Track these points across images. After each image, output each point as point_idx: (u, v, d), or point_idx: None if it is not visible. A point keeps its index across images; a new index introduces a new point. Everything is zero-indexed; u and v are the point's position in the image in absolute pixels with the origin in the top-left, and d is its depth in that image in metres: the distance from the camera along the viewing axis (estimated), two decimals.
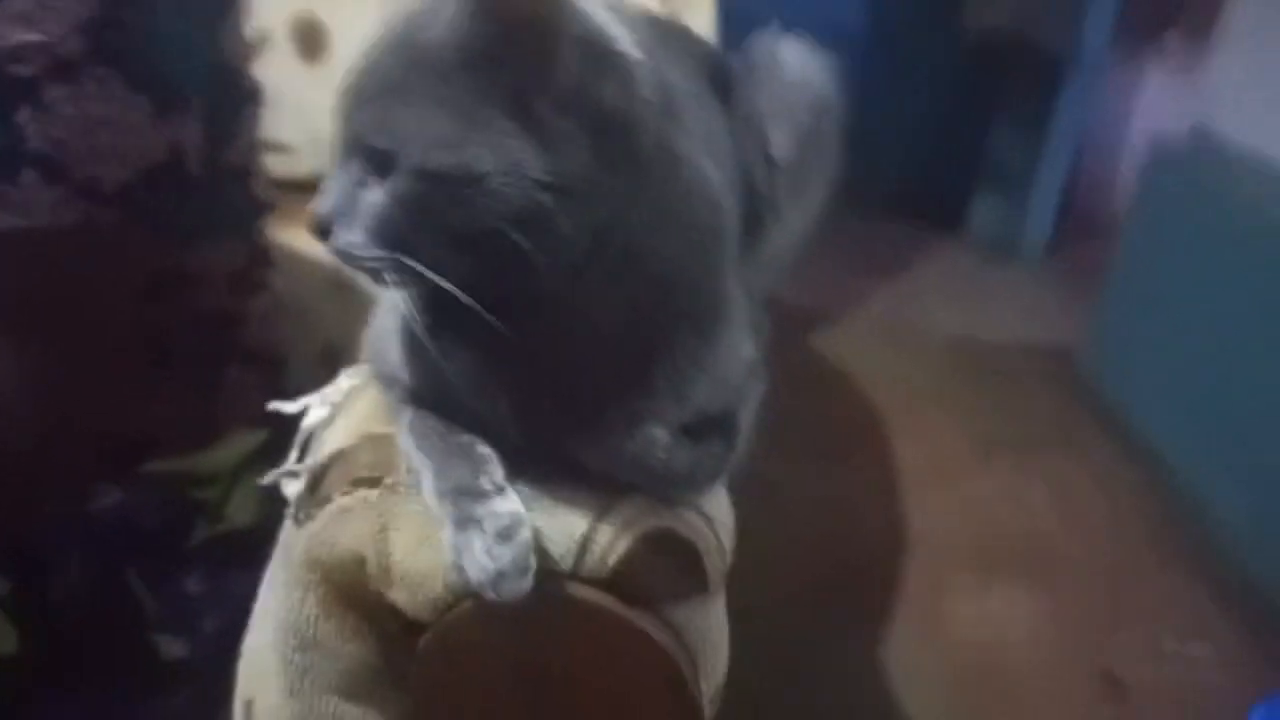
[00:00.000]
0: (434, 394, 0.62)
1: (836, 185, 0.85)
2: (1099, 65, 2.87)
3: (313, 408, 0.71)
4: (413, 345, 0.61)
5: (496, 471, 0.59)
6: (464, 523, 0.56)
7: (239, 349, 0.95)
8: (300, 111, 1.29)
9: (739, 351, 0.64)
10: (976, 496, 2.00)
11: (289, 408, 0.72)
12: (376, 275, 0.55)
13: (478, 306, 0.52)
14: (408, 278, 0.53)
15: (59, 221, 0.67)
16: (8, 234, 0.66)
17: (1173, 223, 2.17)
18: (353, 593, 0.58)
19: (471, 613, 0.55)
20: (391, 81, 0.53)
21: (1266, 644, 1.59)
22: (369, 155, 0.53)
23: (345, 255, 0.55)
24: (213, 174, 0.83)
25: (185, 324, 0.87)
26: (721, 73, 0.72)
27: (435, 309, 0.55)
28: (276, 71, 1.33)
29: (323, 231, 0.55)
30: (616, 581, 0.56)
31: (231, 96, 0.85)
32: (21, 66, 0.64)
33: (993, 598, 1.74)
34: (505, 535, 0.55)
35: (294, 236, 1.08)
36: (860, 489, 1.99)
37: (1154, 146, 2.30)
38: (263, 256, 0.98)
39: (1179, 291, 2.12)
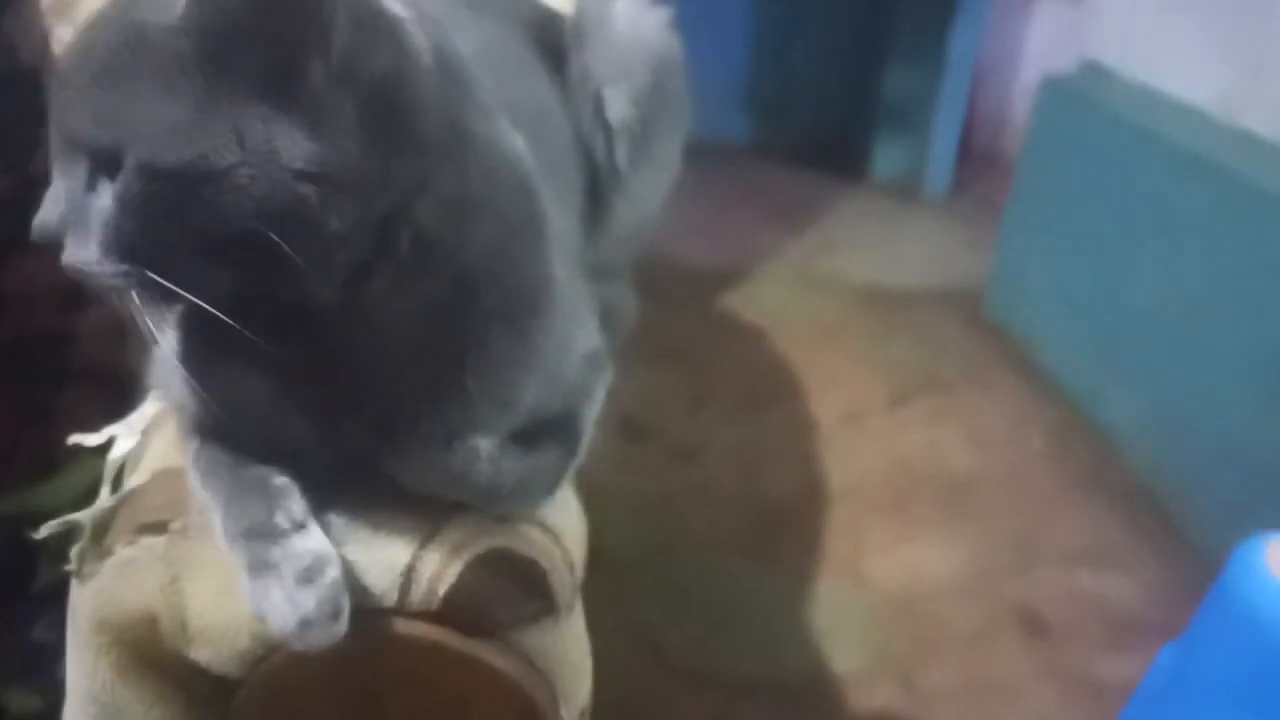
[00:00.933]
0: (220, 420, 0.53)
1: (691, 140, 0.78)
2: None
3: (120, 438, 0.63)
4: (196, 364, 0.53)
5: (295, 505, 0.52)
6: (260, 567, 0.49)
7: (73, 370, 0.86)
8: None
9: (573, 344, 0.58)
10: (893, 441, 1.98)
11: (90, 440, 0.64)
12: (120, 295, 0.46)
13: (239, 326, 0.44)
14: (156, 295, 0.45)
15: None
16: None
17: (1065, 155, 2.16)
18: (149, 654, 0.51)
19: (287, 664, 0.48)
20: (113, 65, 0.44)
21: (1184, 575, 1.59)
22: (93, 154, 0.45)
23: (80, 272, 0.46)
24: (16, 189, 0.74)
25: (8, 346, 0.78)
26: (553, 36, 0.64)
27: (202, 329, 0.48)
28: None
29: (51, 246, 0.46)
30: (451, 612, 0.50)
31: (26, 105, 0.76)
32: None
33: (911, 542, 1.73)
34: (307, 577, 0.48)
35: None
36: (777, 439, 1.96)
37: (1044, 80, 2.27)
38: None
39: (1073, 223, 2.12)
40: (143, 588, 0.52)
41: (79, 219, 0.45)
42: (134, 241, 0.44)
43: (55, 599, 0.81)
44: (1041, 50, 3.04)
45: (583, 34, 0.70)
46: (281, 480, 0.53)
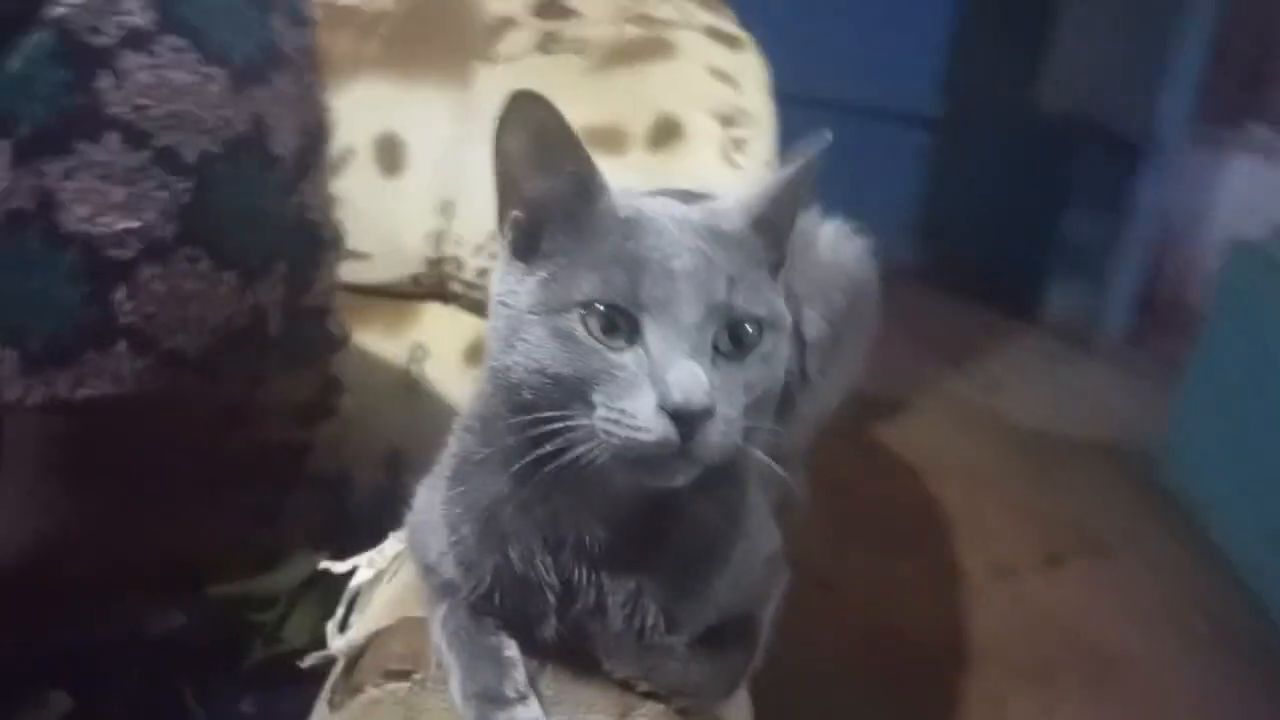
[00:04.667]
0: (474, 587, 0.63)
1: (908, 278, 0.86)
2: (1177, 150, 2.81)
3: (361, 568, 0.74)
4: (462, 535, 0.62)
5: (520, 677, 0.60)
6: None
7: (304, 475, 0.98)
8: (378, 223, 1.34)
9: (760, 549, 0.65)
10: (1043, 602, 1.95)
11: (339, 568, 0.74)
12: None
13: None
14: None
15: (144, 388, 0.71)
16: (97, 400, 0.70)
17: (1256, 320, 2.10)
18: None
19: None
20: (738, 261, 0.56)
21: None
22: (735, 329, 0.55)
23: (717, 450, 0.53)
24: (291, 321, 0.87)
25: (252, 454, 0.91)
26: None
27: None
28: (357, 184, 1.39)
29: (692, 426, 0.52)
30: None
31: (314, 248, 0.89)
32: (120, 250, 0.68)
33: (1053, 716, 1.69)
34: None
35: (361, 337, 1.12)
36: (919, 585, 1.95)
37: (1235, 242, 2.24)
38: (333, 385, 1.01)
39: (1261, 392, 2.05)
40: None
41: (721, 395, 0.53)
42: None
43: (262, 676, 0.92)
44: (1236, 204, 2.97)
45: (791, 255, 0.78)
46: (512, 653, 0.62)
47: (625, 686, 0.60)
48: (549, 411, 0.53)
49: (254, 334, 0.76)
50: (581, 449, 0.53)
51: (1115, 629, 1.89)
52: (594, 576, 0.59)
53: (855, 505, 2.14)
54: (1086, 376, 2.84)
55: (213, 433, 0.87)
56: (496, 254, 0.59)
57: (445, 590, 0.65)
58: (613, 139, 1.23)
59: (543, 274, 0.56)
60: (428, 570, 0.66)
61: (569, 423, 0.53)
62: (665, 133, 1.25)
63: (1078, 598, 1.96)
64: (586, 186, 0.56)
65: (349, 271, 1.35)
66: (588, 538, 0.59)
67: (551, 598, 0.60)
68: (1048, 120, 2.98)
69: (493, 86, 1.35)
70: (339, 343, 0.98)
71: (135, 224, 0.68)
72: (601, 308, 0.53)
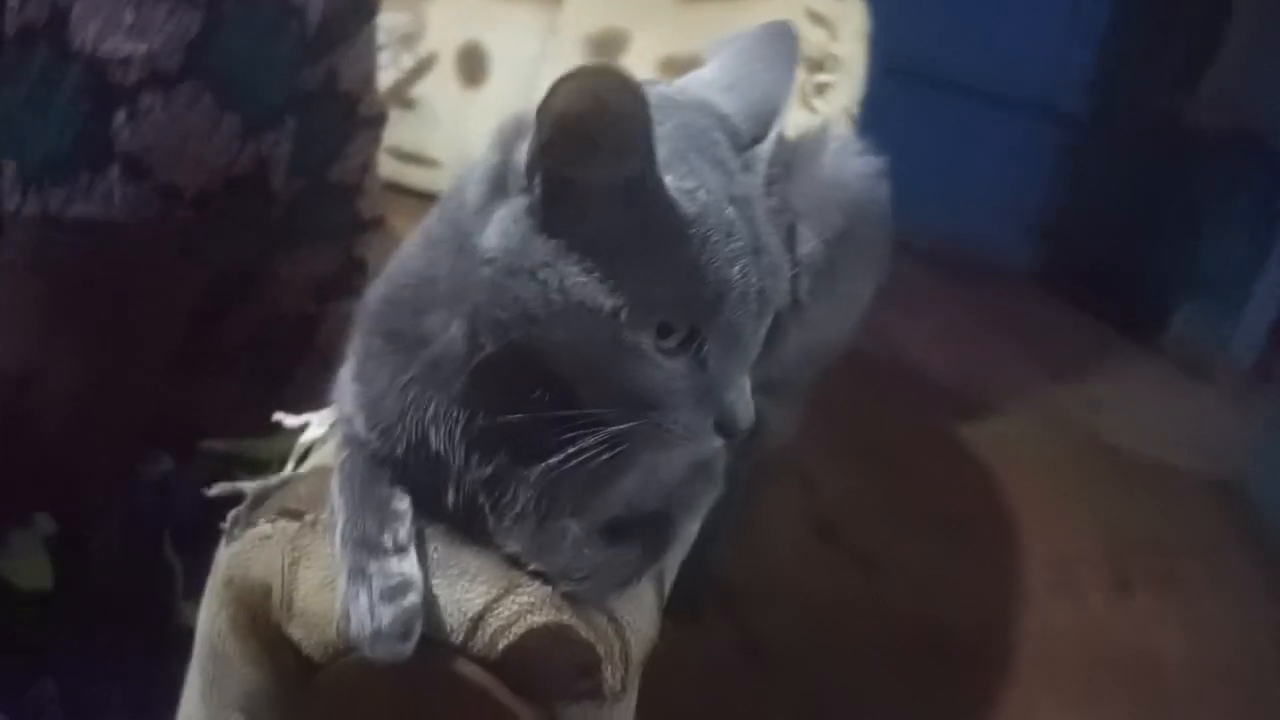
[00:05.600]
0: (380, 442, 0.61)
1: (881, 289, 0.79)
2: None
3: (313, 424, 0.73)
4: (373, 393, 0.61)
5: (402, 530, 0.58)
6: (355, 575, 0.55)
7: (315, 349, 0.98)
8: (452, 131, 1.34)
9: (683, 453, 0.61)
10: (1102, 623, 1.82)
11: (290, 421, 0.74)
12: None
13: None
14: None
15: (135, 215, 0.72)
16: (85, 222, 0.70)
17: None
18: (256, 620, 0.59)
19: (357, 664, 0.54)
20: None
21: None
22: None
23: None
24: (313, 190, 0.86)
25: (261, 321, 0.91)
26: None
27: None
28: (437, 91, 1.38)
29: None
30: (505, 666, 0.54)
31: (345, 121, 0.89)
32: (124, 74, 0.69)
33: None
34: (389, 596, 0.54)
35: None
36: (969, 584, 1.85)
37: None
38: (357, 266, 1.01)
39: None
40: (268, 561, 0.60)
41: None
42: None
43: None
44: None
45: (790, 165, 0.73)
46: (401, 506, 0.60)
47: (515, 563, 0.57)
48: (586, 407, 0.53)
49: (254, 185, 0.75)
50: (610, 440, 0.53)
51: (1175, 663, 1.75)
52: (501, 453, 0.57)
53: (917, 492, 2.05)
54: (1199, 406, 2.63)
55: (221, 294, 0.87)
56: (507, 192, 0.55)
57: (351, 440, 0.64)
58: (686, 68, 1.20)
59: (589, 267, 0.52)
60: (343, 420, 0.65)
61: (612, 425, 0.53)
62: None
63: (1141, 626, 1.83)
64: (644, 182, 0.52)
65: (418, 176, 1.35)
66: (500, 418, 0.57)
67: (455, 466, 0.58)
68: (1200, 130, 2.75)
69: (582, 7, 1.33)
70: (367, 225, 0.98)
71: (141, 48, 0.68)
72: (672, 326, 0.53)
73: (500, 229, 0.53)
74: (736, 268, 0.52)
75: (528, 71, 1.32)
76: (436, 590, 0.56)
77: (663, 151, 0.51)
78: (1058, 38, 2.87)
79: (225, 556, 0.63)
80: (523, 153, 0.52)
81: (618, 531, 0.60)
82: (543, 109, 0.50)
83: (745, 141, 0.58)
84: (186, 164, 0.73)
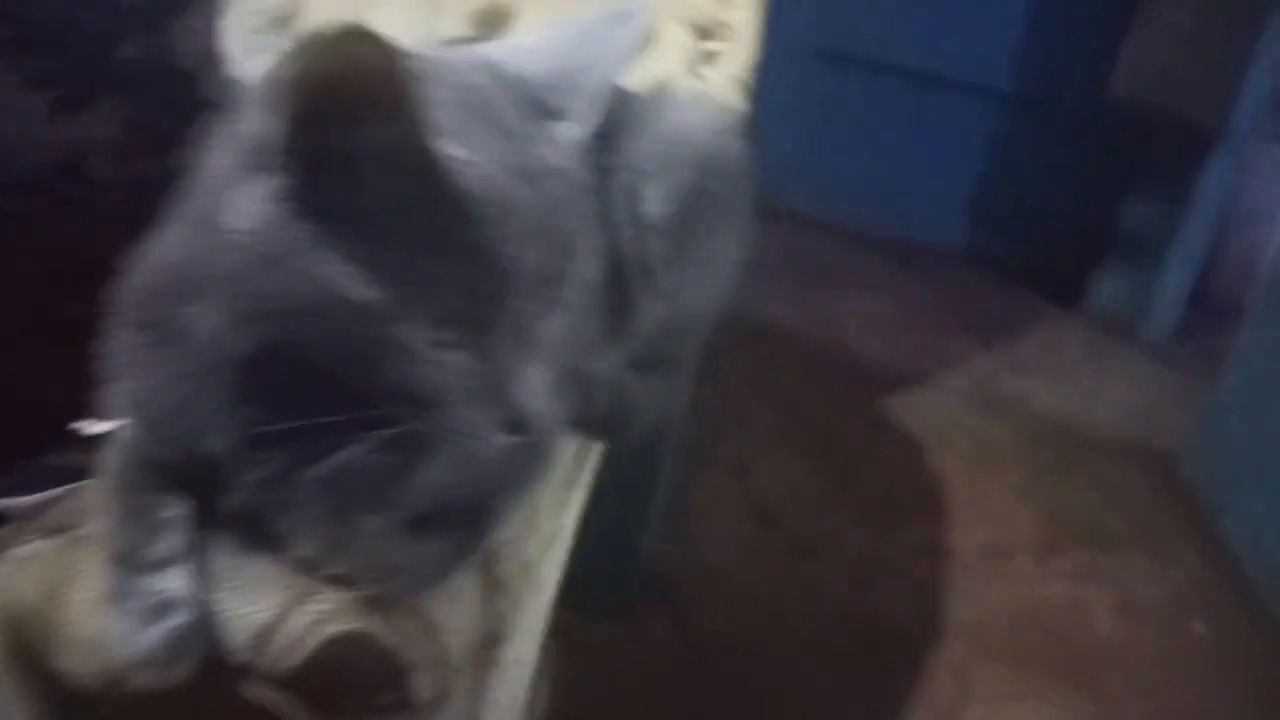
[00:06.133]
0: (149, 435, 0.54)
1: (748, 254, 0.73)
2: (1250, 143, 2.57)
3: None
4: (138, 391, 0.53)
5: (171, 541, 0.51)
6: (118, 595, 0.48)
7: None
8: None
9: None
10: (1034, 594, 1.80)
11: (91, 428, 0.66)
12: None
13: None
14: None
15: None
16: None
17: None
18: (25, 650, 0.52)
19: (135, 696, 0.48)
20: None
21: None
22: None
23: None
24: (154, 177, 0.79)
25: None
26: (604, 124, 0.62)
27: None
28: None
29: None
30: (300, 683, 0.47)
31: (182, 100, 0.81)
32: None
33: (1024, 703, 1.56)
34: (153, 617, 0.47)
35: None
36: (906, 558, 1.83)
37: None
38: None
39: None
40: (28, 587, 0.52)
41: None
42: None
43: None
44: None
45: (629, 123, 0.67)
46: (173, 513, 0.52)
47: (310, 568, 0.50)
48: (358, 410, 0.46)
49: (76, 170, 0.68)
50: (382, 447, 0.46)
51: (1104, 624, 1.74)
52: (280, 452, 0.49)
53: (854, 477, 2.02)
54: (1124, 370, 2.64)
55: (66, 285, 0.79)
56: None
57: (119, 443, 0.56)
58: None
59: (351, 254, 0.44)
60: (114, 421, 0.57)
61: (383, 430, 0.46)
62: None
63: (1071, 589, 1.82)
64: (412, 153, 0.44)
65: None
66: (276, 418, 0.49)
67: (232, 467, 0.50)
68: (1120, 105, 2.74)
69: None
70: None
71: None
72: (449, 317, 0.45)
73: (251, 209, 0.45)
74: (523, 249, 0.45)
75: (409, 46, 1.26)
76: (223, 603, 0.49)
77: (439, 119, 0.44)
78: (986, 18, 2.85)
79: None
80: (273, 124, 0.45)
81: (427, 524, 0.52)
82: (287, 75, 0.43)
83: (548, 111, 0.51)
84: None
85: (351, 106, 0.42)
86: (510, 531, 0.58)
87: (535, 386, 0.47)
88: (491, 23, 1.21)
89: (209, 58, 0.87)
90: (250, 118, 0.47)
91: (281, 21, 1.23)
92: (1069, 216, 2.88)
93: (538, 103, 0.51)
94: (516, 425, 0.47)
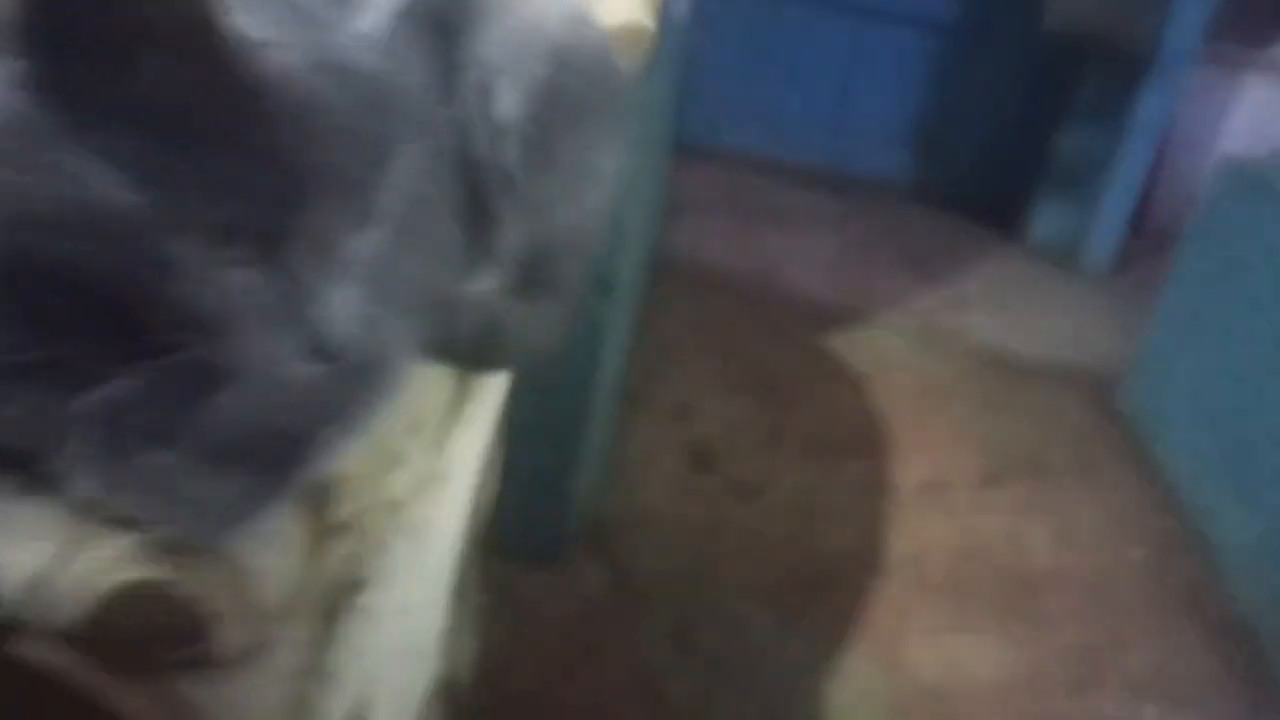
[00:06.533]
0: None
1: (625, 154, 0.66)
2: (1184, 69, 2.53)
3: None
4: None
5: None
6: None
7: None
8: None
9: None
10: (971, 521, 1.78)
11: None
12: None
13: None
14: None
15: None
16: None
17: (1234, 247, 1.87)
18: None
19: None
20: None
21: None
22: None
23: None
24: None
25: None
26: (441, 14, 0.54)
27: None
28: None
29: None
30: (83, 640, 0.40)
31: None
32: None
33: (961, 633, 1.54)
34: None
35: None
36: (845, 494, 1.80)
37: (1225, 161, 1.99)
38: None
39: (1228, 322, 1.83)
40: None
41: None
42: None
43: None
44: (1244, 129, 2.69)
45: (477, 13, 0.58)
46: None
47: (89, 509, 0.43)
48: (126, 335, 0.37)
49: None
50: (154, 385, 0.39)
51: (1042, 552, 1.72)
52: (35, 383, 0.42)
53: (795, 417, 1.98)
54: (1062, 300, 2.62)
55: None
56: None
57: None
58: None
59: (109, 149, 0.36)
60: None
61: (151, 362, 0.39)
62: None
63: (1009, 519, 1.80)
64: (193, 27, 0.36)
65: None
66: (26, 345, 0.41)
67: None
68: (1054, 34, 2.69)
69: None
70: None
71: None
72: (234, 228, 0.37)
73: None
74: (323, 154, 0.38)
75: None
76: None
77: None
78: None
79: None
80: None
81: (225, 459, 0.45)
82: None
83: None
84: None
85: None
86: (352, 468, 0.51)
87: (345, 308, 0.40)
88: None
89: None
90: None
91: None
92: (1006, 147, 2.84)
93: None
94: (322, 351, 0.41)
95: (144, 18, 0.35)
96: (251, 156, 0.37)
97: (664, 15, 1.22)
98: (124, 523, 0.42)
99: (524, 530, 1.43)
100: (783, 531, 1.69)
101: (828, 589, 1.59)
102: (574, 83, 0.61)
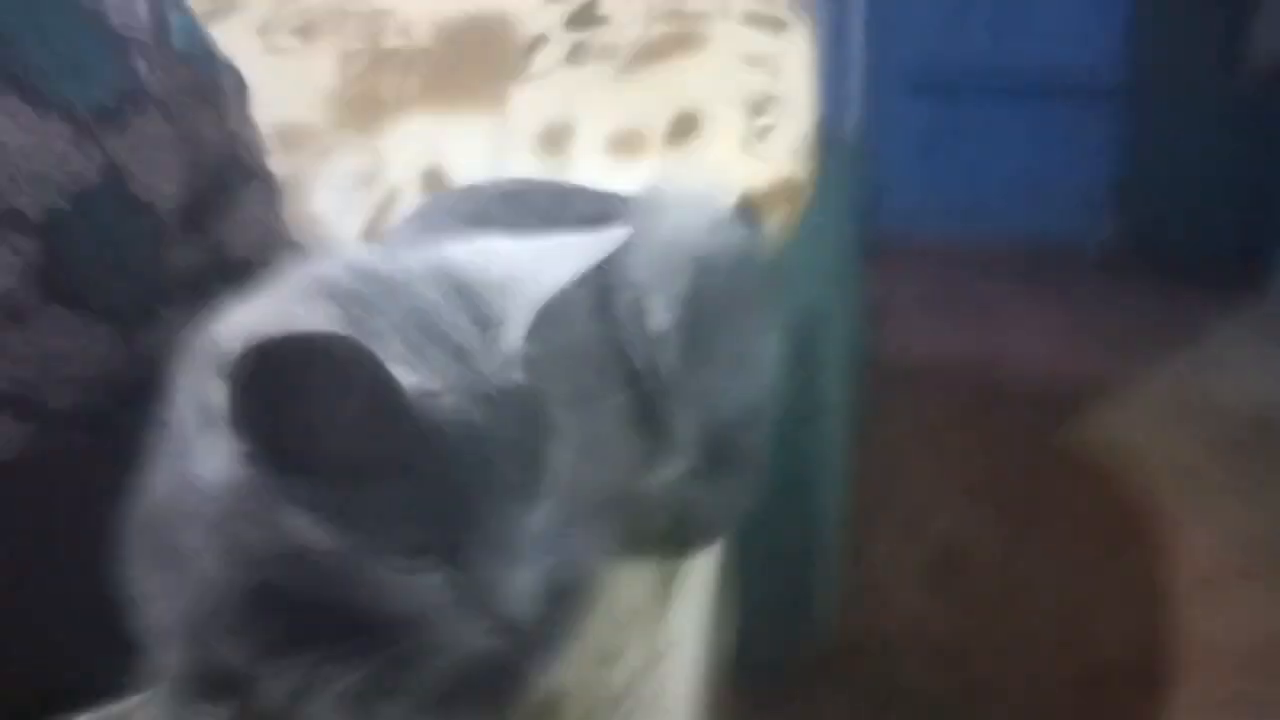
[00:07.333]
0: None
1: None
2: None
3: None
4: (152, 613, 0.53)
5: None
6: None
7: None
8: None
9: None
10: (1261, 623, 1.57)
11: None
12: None
13: None
14: None
15: (30, 452, 0.67)
16: None
17: None
18: None
19: None
20: None
21: None
22: None
23: None
24: None
25: None
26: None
27: None
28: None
29: None
30: None
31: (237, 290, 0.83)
32: None
33: None
34: None
35: None
36: (1113, 600, 1.64)
37: None
38: None
39: None
40: None
41: None
42: None
43: None
44: None
45: (630, 237, 0.64)
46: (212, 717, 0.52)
47: None
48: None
49: (141, 388, 0.69)
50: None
51: None
52: (294, 661, 0.48)
53: (1037, 510, 1.85)
54: None
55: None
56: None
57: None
58: (632, 142, 1.15)
59: (316, 504, 0.43)
60: None
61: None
62: (683, 129, 1.15)
63: None
64: (379, 407, 0.42)
65: None
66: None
67: (258, 674, 0.49)
68: (1260, 71, 2.47)
69: (523, 103, 1.30)
70: None
71: None
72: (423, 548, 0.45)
73: (215, 464, 0.44)
74: (488, 468, 0.43)
75: (482, 176, 1.30)
76: None
77: (395, 345, 0.43)
78: (1085, 17, 2.67)
79: None
80: (218, 392, 0.43)
81: (449, 701, 0.49)
82: (230, 382, 0.41)
83: (490, 319, 0.47)
84: (67, 388, 0.68)
85: (296, 372, 0.41)
86: (567, 677, 0.55)
87: (522, 586, 0.44)
88: (556, 139, 1.23)
89: (266, 241, 0.88)
90: (199, 376, 0.46)
91: (368, 179, 1.28)
92: (1222, 201, 2.60)
93: (483, 310, 0.48)
94: (504, 630, 0.45)
95: (320, 403, 0.42)
96: (428, 488, 0.43)
97: (835, 131, 1.24)
98: None
99: (763, 665, 1.41)
100: (1047, 639, 1.56)
101: (1106, 699, 1.44)
102: (717, 286, 0.66)
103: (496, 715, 0.51)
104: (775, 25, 1.24)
